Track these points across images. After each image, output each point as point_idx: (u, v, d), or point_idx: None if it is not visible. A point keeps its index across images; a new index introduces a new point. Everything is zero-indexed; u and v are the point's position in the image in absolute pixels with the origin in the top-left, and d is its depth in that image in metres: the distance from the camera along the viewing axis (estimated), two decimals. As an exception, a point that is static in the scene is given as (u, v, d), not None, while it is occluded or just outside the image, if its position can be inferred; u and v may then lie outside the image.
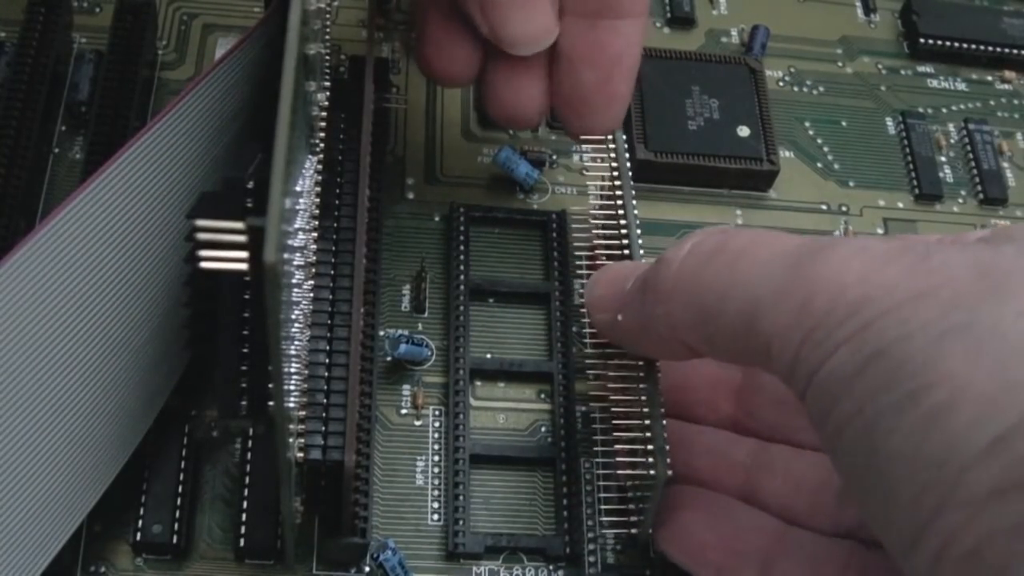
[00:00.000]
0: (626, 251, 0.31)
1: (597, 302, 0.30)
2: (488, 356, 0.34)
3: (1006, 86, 0.44)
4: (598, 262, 0.32)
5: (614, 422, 0.30)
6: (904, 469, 0.21)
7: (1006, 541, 0.19)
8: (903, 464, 0.21)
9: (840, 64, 0.44)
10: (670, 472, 0.27)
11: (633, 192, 0.33)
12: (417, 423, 0.33)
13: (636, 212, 0.32)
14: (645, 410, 0.29)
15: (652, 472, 0.28)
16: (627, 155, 0.34)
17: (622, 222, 0.32)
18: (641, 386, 0.29)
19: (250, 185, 0.22)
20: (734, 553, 0.29)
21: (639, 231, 0.32)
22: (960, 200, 0.41)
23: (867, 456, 0.22)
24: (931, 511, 0.20)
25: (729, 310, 0.25)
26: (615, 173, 0.33)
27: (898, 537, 0.21)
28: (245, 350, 0.24)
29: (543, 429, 0.33)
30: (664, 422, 0.28)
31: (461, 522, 0.31)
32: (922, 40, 0.43)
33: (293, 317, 0.25)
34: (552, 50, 0.31)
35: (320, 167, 0.30)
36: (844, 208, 0.40)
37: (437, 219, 0.36)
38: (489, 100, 0.32)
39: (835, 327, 0.22)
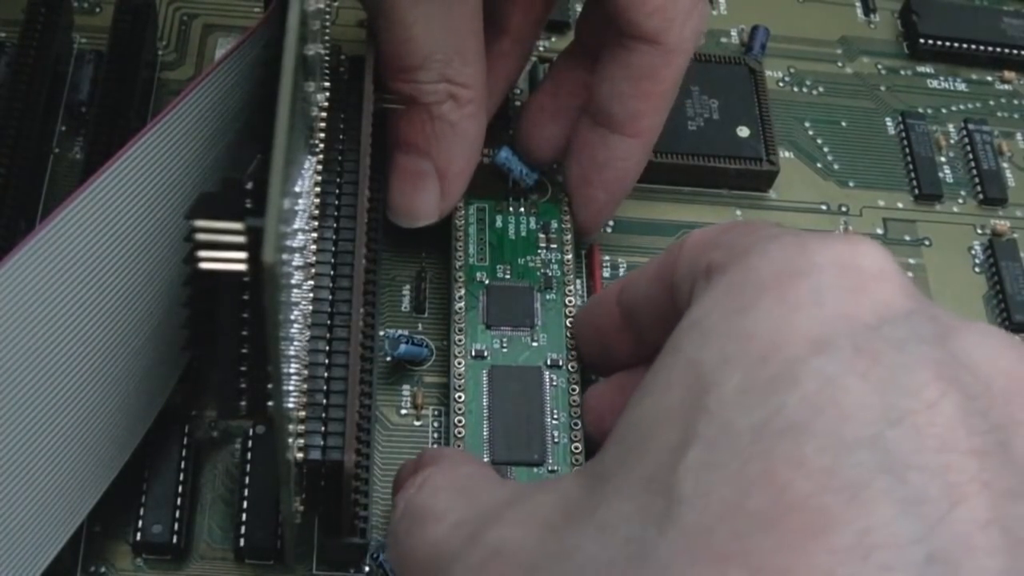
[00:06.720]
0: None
1: None
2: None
3: (1006, 86, 0.44)
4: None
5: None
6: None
7: None
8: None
9: (840, 64, 0.44)
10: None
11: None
12: (417, 423, 0.33)
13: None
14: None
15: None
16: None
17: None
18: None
19: (249, 186, 0.22)
20: None
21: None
22: (960, 200, 0.41)
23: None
24: None
25: None
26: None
27: None
28: (244, 350, 0.24)
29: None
30: None
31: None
32: (922, 40, 0.43)
33: (293, 317, 0.25)
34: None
35: (320, 168, 0.30)
36: (844, 208, 0.40)
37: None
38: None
39: None
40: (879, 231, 0.40)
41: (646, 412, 0.21)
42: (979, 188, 0.41)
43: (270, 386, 0.23)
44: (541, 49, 0.41)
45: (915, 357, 0.19)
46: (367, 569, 0.30)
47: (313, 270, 0.28)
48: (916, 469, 0.17)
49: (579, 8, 0.37)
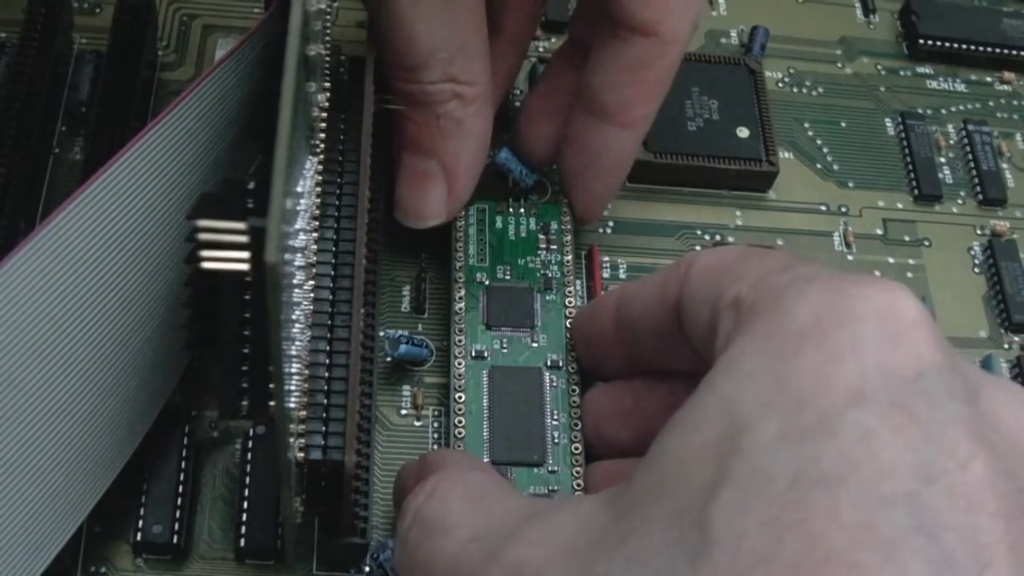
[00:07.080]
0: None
1: None
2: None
3: (1005, 87, 0.44)
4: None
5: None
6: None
7: None
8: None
9: (839, 65, 0.44)
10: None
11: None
12: (417, 423, 0.33)
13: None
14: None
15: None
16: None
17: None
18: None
19: (251, 186, 0.22)
20: None
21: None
22: (959, 201, 0.41)
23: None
24: None
25: None
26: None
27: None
28: (245, 350, 0.24)
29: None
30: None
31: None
32: (921, 41, 0.43)
33: (293, 318, 0.25)
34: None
35: (320, 168, 0.30)
36: (843, 209, 0.40)
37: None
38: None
39: None
40: (879, 231, 0.40)
41: (678, 446, 0.21)
42: (979, 189, 0.41)
43: (271, 386, 0.23)
44: (541, 50, 0.41)
45: (948, 415, 0.19)
46: (367, 569, 0.30)
47: (314, 270, 0.28)
48: (948, 530, 0.17)
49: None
